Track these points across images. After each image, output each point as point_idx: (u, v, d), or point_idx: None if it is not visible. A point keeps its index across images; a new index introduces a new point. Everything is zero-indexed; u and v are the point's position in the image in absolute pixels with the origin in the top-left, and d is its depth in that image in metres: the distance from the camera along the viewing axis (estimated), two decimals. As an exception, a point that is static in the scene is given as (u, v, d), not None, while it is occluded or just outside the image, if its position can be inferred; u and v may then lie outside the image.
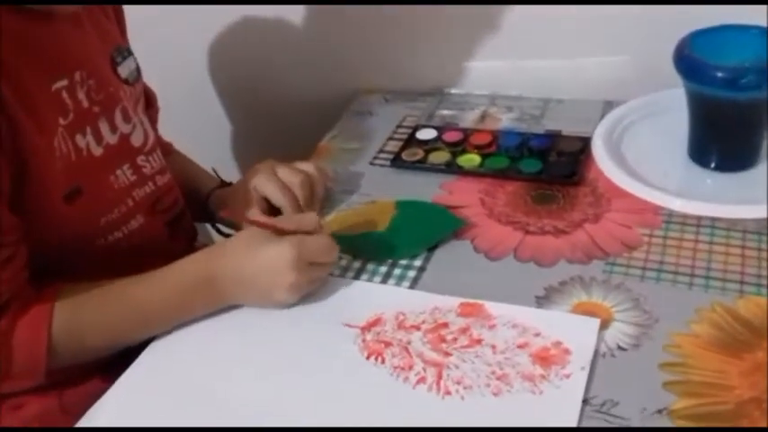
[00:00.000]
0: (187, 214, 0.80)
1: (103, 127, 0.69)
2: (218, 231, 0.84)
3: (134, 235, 0.71)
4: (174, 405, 0.61)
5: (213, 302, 0.67)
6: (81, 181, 0.66)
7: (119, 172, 0.70)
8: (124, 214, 0.70)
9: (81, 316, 0.64)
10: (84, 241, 0.67)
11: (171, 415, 0.60)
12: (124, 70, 0.74)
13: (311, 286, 0.67)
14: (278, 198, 0.75)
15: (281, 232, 0.66)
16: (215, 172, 0.86)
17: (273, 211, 0.77)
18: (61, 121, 0.65)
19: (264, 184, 0.76)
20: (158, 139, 0.88)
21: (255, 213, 0.73)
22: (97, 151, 0.68)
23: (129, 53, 0.76)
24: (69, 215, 0.65)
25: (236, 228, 0.80)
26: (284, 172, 0.77)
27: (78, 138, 0.66)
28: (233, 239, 0.69)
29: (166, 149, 0.90)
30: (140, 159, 0.73)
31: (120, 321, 0.66)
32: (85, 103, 0.67)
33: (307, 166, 0.79)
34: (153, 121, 0.86)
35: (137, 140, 0.73)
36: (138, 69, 0.77)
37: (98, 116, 0.68)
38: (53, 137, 0.64)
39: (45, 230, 0.64)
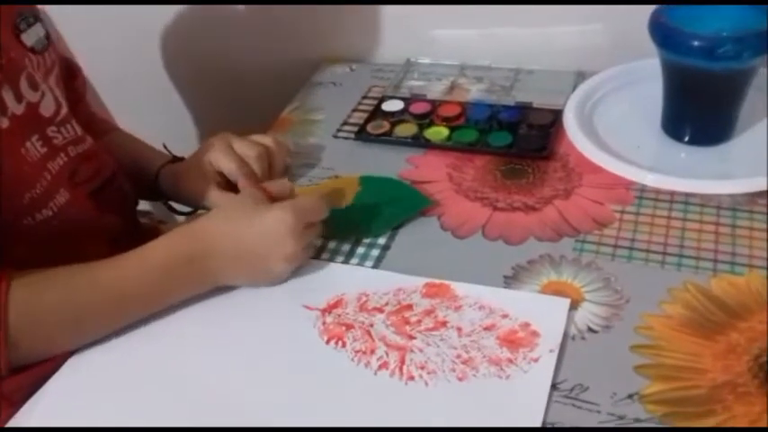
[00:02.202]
0: (117, 185, 0.75)
1: (7, 96, 0.63)
2: (171, 209, 0.80)
3: (63, 211, 0.66)
4: (121, 391, 0.57)
5: (197, 284, 0.63)
6: None
7: (28, 144, 0.65)
8: (46, 189, 0.65)
9: (42, 301, 0.58)
10: (12, 221, 0.62)
11: (118, 402, 0.56)
12: (30, 38, 0.68)
13: (305, 255, 0.65)
14: (234, 172, 0.71)
15: (271, 198, 0.63)
16: (165, 148, 0.82)
17: (229, 186, 0.73)
18: None
19: (220, 157, 0.72)
20: (92, 116, 0.83)
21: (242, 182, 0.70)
22: (2, 122, 0.62)
23: (36, 20, 0.70)
24: None
25: (192, 204, 0.76)
26: (241, 145, 0.73)
27: None
28: (217, 213, 0.65)
29: (105, 127, 0.85)
30: (50, 130, 0.68)
31: (91, 310, 0.60)
32: None
33: (264, 139, 0.75)
34: (80, 93, 0.81)
35: (46, 110, 0.68)
36: (47, 37, 0.70)
37: (3, 83, 0.63)
38: None
39: None
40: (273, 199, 0.65)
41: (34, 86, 0.66)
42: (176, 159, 0.80)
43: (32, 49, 0.67)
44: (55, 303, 0.58)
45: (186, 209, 0.78)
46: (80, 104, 0.81)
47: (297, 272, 0.65)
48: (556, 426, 0.51)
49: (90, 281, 0.60)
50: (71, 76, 0.79)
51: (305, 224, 0.63)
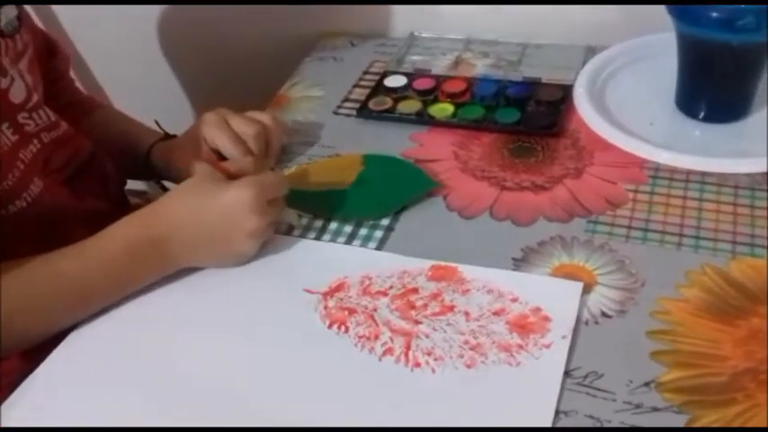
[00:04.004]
0: (96, 168, 0.72)
1: None
2: (163, 188, 0.77)
3: (38, 201, 0.63)
4: (115, 377, 0.55)
5: (161, 268, 0.61)
6: None
7: None
8: (19, 179, 0.62)
9: (4, 294, 0.55)
10: None
11: (112, 388, 0.54)
12: None
13: (269, 231, 0.63)
14: (230, 150, 0.69)
15: (231, 176, 0.61)
16: (158, 124, 0.78)
17: None
18: None
19: (216, 134, 0.69)
20: (76, 94, 0.79)
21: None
22: None
23: (3, 1, 0.65)
24: None
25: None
26: (237, 122, 0.70)
27: None
28: (175, 193, 0.62)
29: (91, 105, 0.82)
30: (22, 117, 0.64)
31: (54, 301, 0.58)
32: None
33: (262, 116, 0.72)
34: (60, 71, 0.77)
35: (16, 96, 0.64)
36: (18, 19, 0.66)
37: None
38: None
39: None
40: (234, 177, 0.62)
41: (2, 72, 0.63)
42: (168, 136, 0.77)
43: (0, 33, 0.64)
44: (16, 296, 0.56)
45: None
46: (62, 82, 0.77)
47: (297, 254, 0.63)
48: (569, 413, 0.49)
49: (52, 272, 0.57)
50: (50, 53, 0.76)
51: (267, 200, 0.61)
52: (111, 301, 0.60)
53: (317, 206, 0.68)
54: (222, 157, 0.70)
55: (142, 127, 0.80)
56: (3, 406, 0.54)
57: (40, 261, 0.58)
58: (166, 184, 0.77)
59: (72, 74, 0.82)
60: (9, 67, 0.64)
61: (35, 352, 0.58)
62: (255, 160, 0.68)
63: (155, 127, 0.79)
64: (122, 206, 0.77)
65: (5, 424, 0.52)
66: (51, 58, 0.75)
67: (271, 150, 0.72)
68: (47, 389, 0.55)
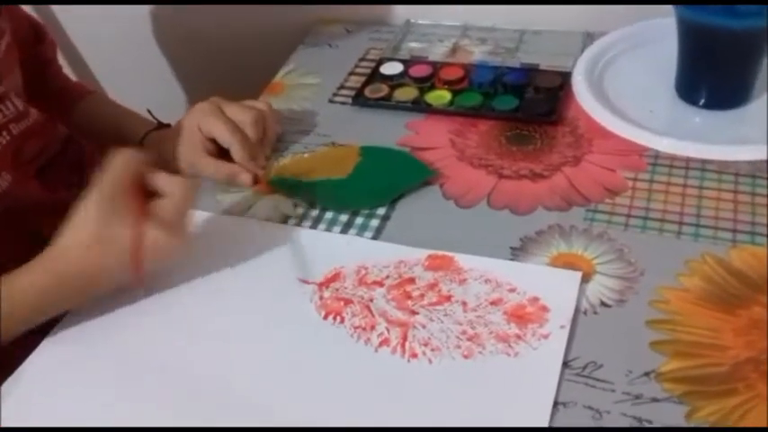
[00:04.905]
0: (69, 157, 0.69)
1: None
2: None
3: (7, 195, 0.61)
4: (109, 371, 0.54)
5: (87, 296, 0.56)
6: None
7: None
8: None
9: None
10: None
11: (105, 385, 0.53)
12: None
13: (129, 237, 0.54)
14: (227, 139, 0.67)
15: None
16: (150, 114, 0.77)
17: (220, 153, 0.69)
18: None
19: (212, 122, 0.68)
20: (64, 81, 0.78)
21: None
22: None
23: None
24: None
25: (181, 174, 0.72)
26: (233, 110, 0.69)
27: None
28: (64, 230, 0.55)
29: (80, 91, 0.80)
30: None
31: None
32: None
33: (258, 104, 0.71)
34: (47, 58, 0.76)
35: None
36: None
37: None
38: None
39: None
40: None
41: None
42: (161, 126, 0.76)
43: None
44: None
45: None
46: (50, 68, 0.75)
47: (292, 243, 0.62)
48: (567, 404, 0.48)
49: None
50: (38, 40, 0.74)
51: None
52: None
53: (312, 195, 0.67)
54: (219, 148, 0.68)
55: (134, 115, 0.78)
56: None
57: None
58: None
59: (64, 63, 0.80)
60: None
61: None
62: (252, 148, 0.67)
63: (147, 116, 0.77)
64: None
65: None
66: (38, 44, 0.74)
67: (267, 138, 0.71)
68: (35, 383, 0.54)
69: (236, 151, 0.67)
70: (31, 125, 0.66)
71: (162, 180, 0.55)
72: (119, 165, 0.54)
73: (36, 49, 0.72)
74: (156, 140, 0.73)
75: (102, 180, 0.54)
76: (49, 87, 0.67)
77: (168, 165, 0.72)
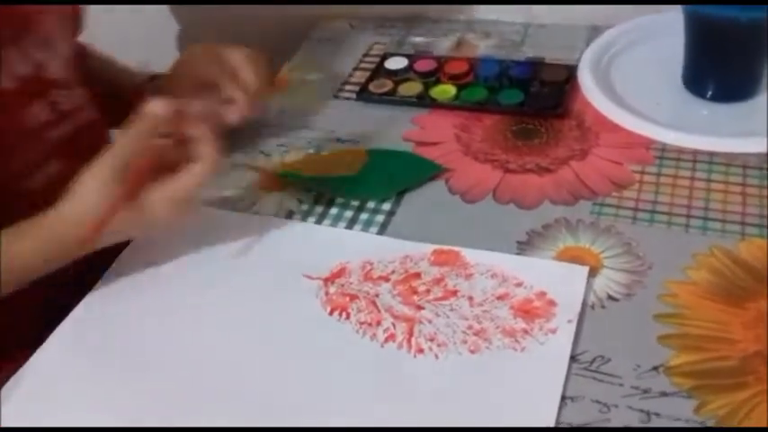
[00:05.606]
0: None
1: (12, 55, 0.58)
2: None
3: (53, 184, 0.60)
4: (113, 364, 0.54)
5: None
6: None
7: (31, 108, 0.60)
8: (36, 160, 0.61)
9: None
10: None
11: (110, 377, 0.53)
12: None
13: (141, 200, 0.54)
14: (226, 84, 0.67)
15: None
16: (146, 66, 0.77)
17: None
18: None
19: (205, 63, 0.68)
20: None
21: None
22: (8, 83, 0.58)
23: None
24: None
25: None
26: (227, 51, 0.68)
27: None
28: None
29: (81, 53, 0.80)
30: (57, 93, 0.63)
31: None
32: None
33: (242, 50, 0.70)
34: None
35: (55, 71, 0.63)
36: None
37: (5, 42, 0.58)
38: None
39: None
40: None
41: (46, 46, 0.61)
42: (155, 76, 0.75)
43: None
44: None
45: None
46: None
47: (297, 239, 0.62)
48: (575, 399, 0.48)
49: None
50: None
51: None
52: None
53: (320, 188, 0.67)
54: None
55: (127, 69, 0.78)
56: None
57: None
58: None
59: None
60: (53, 40, 0.62)
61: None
62: (249, 89, 0.67)
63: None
64: None
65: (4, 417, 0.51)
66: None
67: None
68: (42, 379, 0.54)
69: (227, 88, 0.67)
70: (91, 118, 0.67)
71: (198, 136, 0.54)
72: (135, 131, 0.53)
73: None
74: (155, 90, 0.71)
75: (115, 148, 0.53)
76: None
77: None
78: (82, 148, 0.64)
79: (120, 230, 0.56)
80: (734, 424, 0.45)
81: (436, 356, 0.52)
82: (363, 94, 0.79)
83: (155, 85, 0.73)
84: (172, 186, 0.54)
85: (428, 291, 0.56)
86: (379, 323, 0.54)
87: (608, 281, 0.55)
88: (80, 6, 0.71)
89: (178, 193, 0.55)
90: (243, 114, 0.67)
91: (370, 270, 0.59)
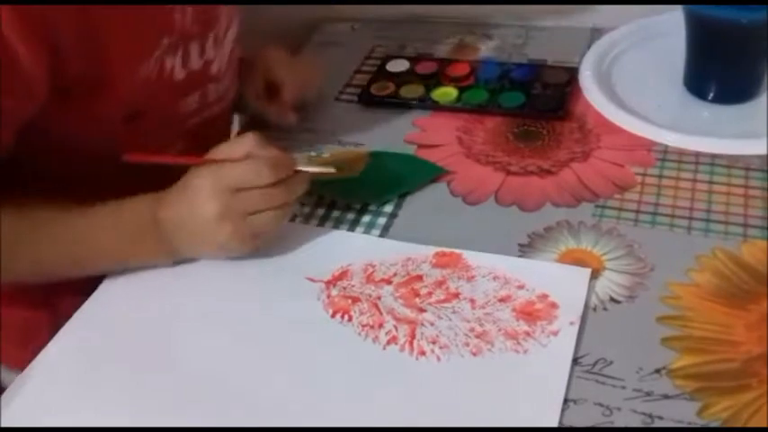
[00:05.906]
0: None
1: (194, 50, 0.62)
2: None
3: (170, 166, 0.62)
4: (116, 366, 0.54)
5: (161, 250, 0.59)
6: (150, 104, 0.60)
7: (188, 98, 0.64)
8: (168, 142, 0.64)
9: (7, 230, 0.55)
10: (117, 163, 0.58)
11: (111, 382, 0.53)
12: None
13: (258, 223, 0.56)
14: (293, 93, 0.74)
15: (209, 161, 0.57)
16: None
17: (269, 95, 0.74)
18: (165, 41, 0.59)
19: (283, 74, 0.74)
20: None
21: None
22: (180, 74, 0.61)
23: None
24: (120, 134, 0.60)
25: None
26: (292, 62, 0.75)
27: (168, 59, 0.60)
28: (185, 180, 0.58)
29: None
30: (210, 87, 0.67)
31: (49, 250, 0.57)
32: (189, 22, 0.61)
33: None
34: None
35: (216, 67, 0.67)
36: None
37: (193, 38, 0.62)
38: (149, 58, 0.58)
39: (91, 144, 0.58)
40: None
41: (217, 44, 0.65)
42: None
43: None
44: (17, 235, 0.55)
45: None
46: None
47: (299, 241, 0.62)
48: (577, 401, 0.48)
49: (55, 226, 0.57)
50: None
51: (231, 188, 0.55)
52: (103, 271, 0.59)
53: (321, 190, 0.67)
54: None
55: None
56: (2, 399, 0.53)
57: (57, 211, 0.57)
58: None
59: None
60: (222, 38, 0.66)
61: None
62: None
63: None
64: None
65: (5, 418, 0.52)
66: None
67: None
68: (45, 380, 0.54)
69: (286, 92, 0.73)
70: (222, 109, 0.70)
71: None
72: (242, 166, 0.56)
73: None
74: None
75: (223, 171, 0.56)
76: None
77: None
78: (206, 133, 0.68)
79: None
80: (737, 426, 0.45)
81: (438, 359, 0.52)
82: (365, 97, 0.79)
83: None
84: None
85: (430, 293, 0.56)
86: (381, 326, 0.54)
87: (610, 283, 0.55)
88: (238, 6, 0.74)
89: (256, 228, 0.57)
90: (288, 121, 0.73)
91: (373, 272, 0.59)
